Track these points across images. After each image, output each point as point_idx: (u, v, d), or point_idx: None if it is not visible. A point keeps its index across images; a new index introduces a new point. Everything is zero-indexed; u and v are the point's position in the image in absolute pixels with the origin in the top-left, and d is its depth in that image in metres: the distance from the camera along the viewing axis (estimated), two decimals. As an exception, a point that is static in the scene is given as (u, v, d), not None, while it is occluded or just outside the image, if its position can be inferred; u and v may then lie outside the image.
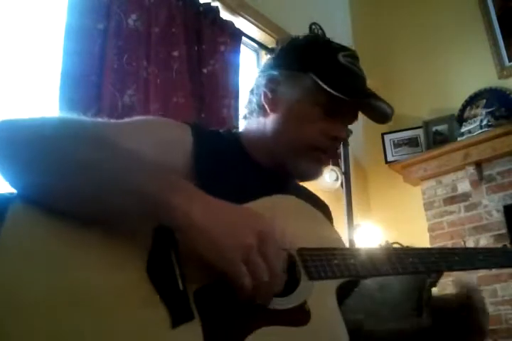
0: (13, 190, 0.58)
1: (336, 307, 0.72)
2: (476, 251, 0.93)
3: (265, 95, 0.88)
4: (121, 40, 1.90)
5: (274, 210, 0.69)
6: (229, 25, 2.41)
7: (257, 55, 2.84)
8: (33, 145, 0.58)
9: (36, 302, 0.50)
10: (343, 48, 0.89)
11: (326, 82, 0.82)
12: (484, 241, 2.67)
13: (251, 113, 0.92)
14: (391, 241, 2.99)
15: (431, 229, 2.91)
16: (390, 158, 3.20)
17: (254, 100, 0.91)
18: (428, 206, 2.96)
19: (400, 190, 3.15)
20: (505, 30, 2.94)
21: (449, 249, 0.87)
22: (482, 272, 2.58)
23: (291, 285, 0.66)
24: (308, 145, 0.85)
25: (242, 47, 2.48)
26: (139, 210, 0.57)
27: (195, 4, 2.26)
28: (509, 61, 2.91)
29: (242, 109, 0.97)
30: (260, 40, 2.73)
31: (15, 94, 1.69)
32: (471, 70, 3.03)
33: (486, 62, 2.98)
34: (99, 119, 0.77)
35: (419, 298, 1.71)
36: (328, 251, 0.74)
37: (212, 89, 2.19)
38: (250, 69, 2.75)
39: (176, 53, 2.06)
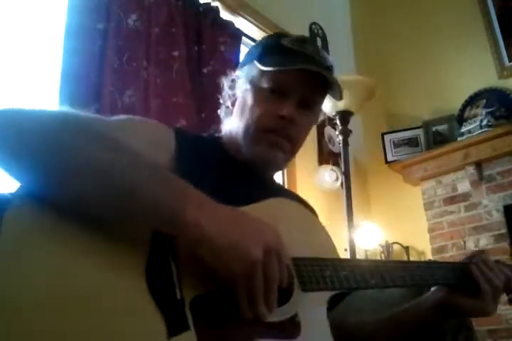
0: (12, 190, 0.56)
1: (326, 319, 0.72)
2: (456, 266, 0.93)
3: (228, 96, 0.95)
4: (121, 40, 1.90)
5: (272, 217, 0.68)
6: (229, 25, 2.41)
7: (257, 55, 2.84)
8: (39, 139, 0.56)
9: (34, 305, 0.49)
10: (290, 35, 0.93)
11: (263, 63, 0.85)
12: (484, 241, 2.67)
13: (225, 115, 0.98)
14: (391, 241, 2.99)
15: (431, 229, 2.91)
16: (390, 158, 3.20)
17: (223, 101, 0.98)
18: (428, 206, 2.96)
19: (400, 190, 3.15)
20: (505, 30, 2.94)
21: (435, 262, 0.88)
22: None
23: (284, 296, 0.65)
24: (258, 129, 0.87)
25: (242, 47, 2.48)
26: (147, 217, 0.56)
27: (195, 4, 2.26)
28: (509, 61, 2.91)
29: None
30: (260, 40, 2.73)
31: (15, 93, 1.69)
32: (471, 70, 3.03)
33: (486, 62, 2.97)
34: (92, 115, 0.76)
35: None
36: (321, 261, 0.73)
37: (212, 89, 2.19)
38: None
39: (175, 53, 2.06)
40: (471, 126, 2.80)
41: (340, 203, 2.42)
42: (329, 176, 2.75)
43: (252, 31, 2.66)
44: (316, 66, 0.85)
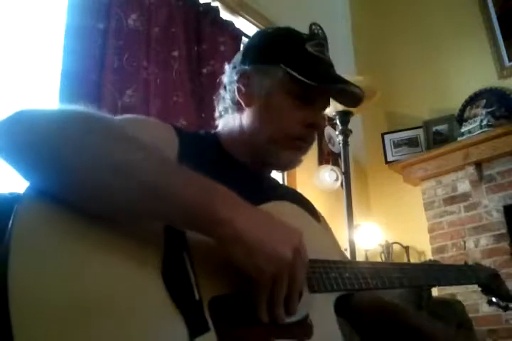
0: (17, 189, 0.55)
1: (335, 320, 0.72)
2: (453, 269, 0.97)
3: (239, 90, 0.88)
4: (121, 40, 1.90)
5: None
6: (229, 25, 2.41)
7: (257, 55, 2.84)
8: (64, 141, 0.54)
9: (52, 306, 0.47)
10: (309, 37, 0.90)
11: (296, 72, 0.83)
12: (484, 241, 2.67)
13: (226, 110, 0.92)
14: (391, 241, 2.99)
15: (431, 229, 2.91)
16: (390, 158, 3.20)
17: (228, 97, 0.91)
18: (428, 206, 2.96)
19: (400, 190, 3.15)
20: (505, 30, 2.94)
21: (429, 265, 0.91)
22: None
23: None
24: (287, 136, 0.85)
25: (242, 47, 2.48)
26: (179, 214, 0.55)
27: (195, 4, 2.26)
28: (509, 61, 2.91)
29: (216, 108, 0.96)
30: (260, 40, 2.73)
31: (15, 93, 1.69)
32: (471, 70, 3.03)
33: (486, 62, 2.98)
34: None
35: (418, 297, 1.71)
36: (326, 263, 0.74)
37: (212, 89, 2.18)
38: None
39: (175, 53, 2.06)
40: (471, 126, 2.80)
41: (340, 203, 2.42)
42: (329, 176, 2.75)
43: (252, 31, 2.66)
44: (352, 86, 0.86)
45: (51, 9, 1.90)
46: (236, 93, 0.89)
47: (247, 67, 0.89)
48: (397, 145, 3.22)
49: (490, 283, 1.01)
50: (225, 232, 0.55)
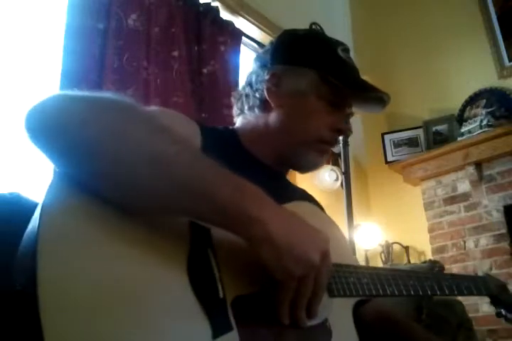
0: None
1: (353, 326, 0.73)
2: (463, 278, 0.96)
3: (269, 90, 0.87)
4: (121, 40, 1.89)
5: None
6: (229, 25, 2.40)
7: (257, 55, 2.84)
8: (100, 128, 0.53)
9: (82, 299, 0.46)
10: (338, 42, 0.91)
11: (331, 76, 0.84)
12: (484, 241, 2.67)
13: (251, 108, 0.90)
14: (391, 241, 2.99)
15: (431, 229, 2.91)
16: (390, 158, 3.20)
17: (257, 95, 0.89)
18: (428, 206, 2.96)
19: (400, 190, 3.15)
20: (505, 30, 2.94)
21: (443, 274, 0.91)
22: (481, 272, 2.58)
23: None
24: (315, 139, 0.86)
25: (242, 47, 2.48)
26: (210, 210, 0.54)
27: (195, 4, 2.26)
28: (509, 61, 2.91)
29: (235, 105, 0.95)
30: (260, 40, 2.73)
31: (15, 93, 1.69)
32: (471, 70, 3.03)
33: (486, 62, 2.97)
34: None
35: (417, 307, 1.71)
36: (345, 268, 0.74)
37: (212, 89, 2.19)
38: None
39: (175, 53, 2.06)
40: (471, 126, 2.80)
41: (340, 203, 2.42)
42: (329, 176, 2.75)
43: (252, 31, 2.66)
44: (380, 92, 0.88)
45: (51, 9, 1.90)
46: (265, 92, 0.87)
47: (278, 67, 0.88)
48: (397, 145, 3.22)
49: (499, 294, 1.00)
50: (256, 233, 0.54)
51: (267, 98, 0.87)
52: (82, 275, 0.47)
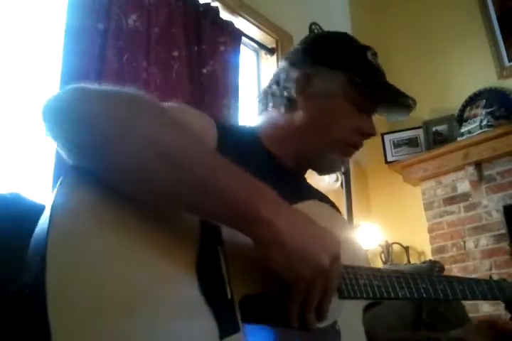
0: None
1: (362, 329, 0.72)
2: (477, 283, 0.93)
3: (298, 90, 0.86)
4: (121, 40, 1.90)
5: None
6: (229, 25, 2.40)
7: (257, 55, 2.84)
8: (111, 121, 0.53)
9: (91, 299, 0.46)
10: (367, 46, 0.92)
11: (362, 80, 0.84)
12: (484, 241, 2.67)
13: (276, 106, 0.89)
14: (391, 241, 2.99)
15: (431, 229, 2.91)
16: (389, 158, 3.20)
17: (285, 93, 0.87)
18: (428, 206, 2.96)
19: (399, 190, 3.15)
20: (505, 30, 2.94)
21: (456, 277, 0.89)
22: (480, 272, 2.58)
23: None
24: (342, 141, 0.86)
25: (242, 47, 2.48)
26: (220, 208, 0.54)
27: (195, 4, 2.26)
28: (509, 61, 2.91)
29: (257, 103, 0.94)
30: (260, 40, 2.74)
31: (15, 93, 1.69)
32: (471, 70, 3.03)
33: (486, 62, 2.97)
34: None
35: (416, 314, 1.71)
36: (357, 269, 0.73)
37: (212, 89, 2.19)
38: (250, 69, 2.75)
39: (175, 53, 2.06)
40: (471, 126, 2.80)
41: (340, 203, 2.42)
42: (329, 176, 2.74)
43: (252, 31, 2.66)
44: (407, 97, 0.90)
45: (51, 9, 1.90)
46: (294, 92, 0.86)
47: (309, 68, 0.87)
48: (397, 145, 3.21)
49: None
50: (264, 234, 0.54)
51: (295, 97, 0.86)
52: (92, 276, 0.47)
